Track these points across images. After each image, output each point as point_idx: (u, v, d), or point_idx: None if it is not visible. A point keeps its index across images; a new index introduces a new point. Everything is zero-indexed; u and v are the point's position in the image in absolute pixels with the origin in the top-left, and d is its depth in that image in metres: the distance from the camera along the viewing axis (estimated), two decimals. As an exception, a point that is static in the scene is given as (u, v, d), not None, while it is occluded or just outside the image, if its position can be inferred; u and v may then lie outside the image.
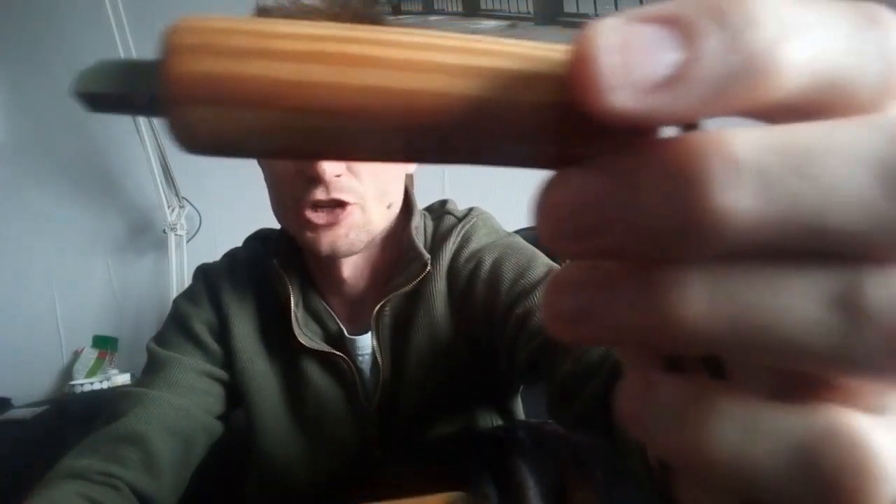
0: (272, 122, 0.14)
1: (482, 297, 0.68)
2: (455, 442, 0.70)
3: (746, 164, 0.12)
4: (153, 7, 1.80)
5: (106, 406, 0.70)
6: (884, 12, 0.13)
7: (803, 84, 0.13)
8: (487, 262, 0.68)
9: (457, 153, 0.15)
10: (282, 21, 0.14)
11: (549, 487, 0.61)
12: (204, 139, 0.14)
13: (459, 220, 0.74)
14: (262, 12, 0.65)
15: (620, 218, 0.13)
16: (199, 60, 0.14)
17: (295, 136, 0.14)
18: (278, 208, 0.68)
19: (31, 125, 1.88)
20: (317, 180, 0.61)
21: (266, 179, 0.68)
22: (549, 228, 0.14)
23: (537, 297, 0.63)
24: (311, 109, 0.14)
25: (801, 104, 0.13)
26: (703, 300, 0.12)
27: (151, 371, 0.72)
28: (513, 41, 0.14)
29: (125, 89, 0.15)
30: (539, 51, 0.14)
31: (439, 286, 0.70)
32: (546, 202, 0.14)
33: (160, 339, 0.75)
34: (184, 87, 0.14)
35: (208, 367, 0.72)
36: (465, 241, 0.72)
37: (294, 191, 0.63)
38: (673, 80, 0.12)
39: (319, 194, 0.61)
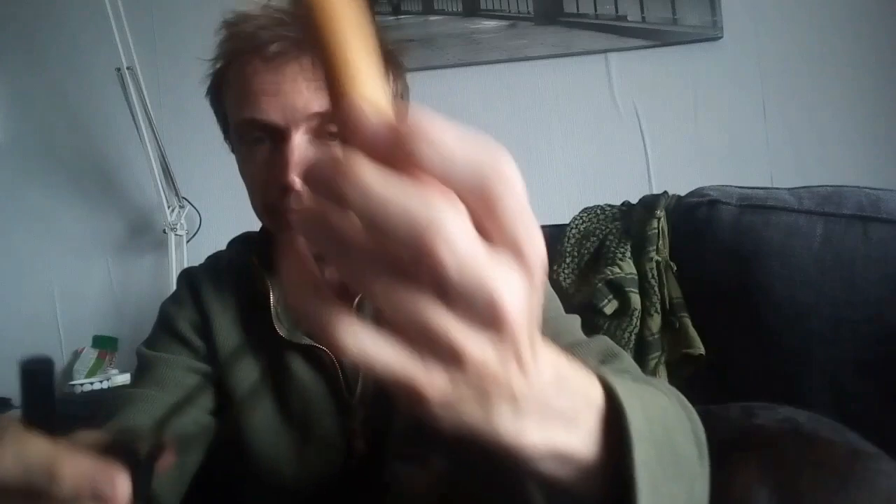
0: None
1: None
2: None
3: None
4: (153, 7, 1.80)
5: (100, 408, 0.72)
6: None
7: None
8: None
9: None
10: None
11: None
12: None
13: None
14: (229, 25, 0.66)
15: None
16: None
17: None
18: (258, 212, 0.70)
19: (31, 125, 1.88)
20: (289, 190, 0.62)
21: (247, 186, 0.69)
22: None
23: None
24: None
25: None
26: None
27: (141, 372, 0.74)
28: None
29: None
30: None
31: None
32: None
33: (148, 342, 0.77)
34: None
35: (195, 363, 0.74)
36: None
37: (269, 199, 0.65)
38: None
39: (293, 204, 0.62)
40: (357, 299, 0.70)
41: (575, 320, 0.71)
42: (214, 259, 0.82)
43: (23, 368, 0.29)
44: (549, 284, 0.73)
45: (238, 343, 0.74)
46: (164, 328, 0.77)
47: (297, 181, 0.61)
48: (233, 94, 0.66)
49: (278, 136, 0.63)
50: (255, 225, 0.81)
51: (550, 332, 0.66)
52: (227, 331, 0.74)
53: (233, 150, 0.71)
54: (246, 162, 0.67)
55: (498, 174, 0.24)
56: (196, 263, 0.84)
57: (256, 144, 0.64)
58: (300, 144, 0.62)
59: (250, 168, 0.67)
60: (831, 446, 0.60)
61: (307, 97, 0.61)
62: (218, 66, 0.68)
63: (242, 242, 0.80)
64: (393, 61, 0.71)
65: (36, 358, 0.30)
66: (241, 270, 0.76)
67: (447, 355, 0.25)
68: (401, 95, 0.72)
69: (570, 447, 0.31)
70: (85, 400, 1.61)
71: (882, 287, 0.93)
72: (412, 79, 0.74)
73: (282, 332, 0.71)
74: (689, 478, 0.40)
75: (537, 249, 0.25)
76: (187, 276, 0.80)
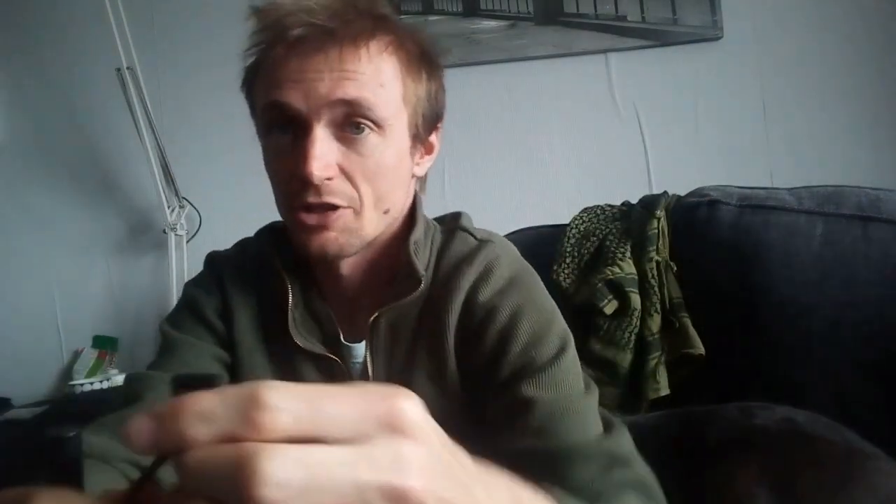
0: None
1: (492, 344, 0.67)
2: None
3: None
4: (153, 7, 1.80)
5: (123, 388, 0.72)
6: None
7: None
8: (506, 310, 0.67)
9: None
10: None
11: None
12: None
13: (479, 241, 0.73)
14: (257, 12, 0.65)
15: None
16: None
17: None
18: (280, 208, 0.69)
19: (31, 125, 1.88)
20: (308, 183, 0.62)
21: (270, 181, 0.69)
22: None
23: (544, 388, 0.63)
24: None
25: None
26: None
27: (166, 353, 0.74)
28: None
29: None
30: None
31: (453, 317, 0.69)
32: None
33: (173, 321, 0.76)
34: None
35: (219, 351, 0.74)
36: (488, 272, 0.69)
37: (290, 192, 0.65)
38: None
39: (311, 197, 0.63)
40: (373, 317, 0.70)
41: (589, 406, 0.64)
42: (241, 247, 0.81)
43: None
44: (569, 358, 0.67)
45: (254, 343, 0.74)
46: (190, 310, 0.76)
47: (315, 175, 0.61)
48: (260, 82, 0.66)
49: (300, 128, 0.63)
50: (253, 225, 0.81)
51: (557, 427, 0.61)
52: (245, 326, 0.74)
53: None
54: (269, 152, 0.67)
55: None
56: (196, 264, 0.84)
57: (279, 134, 0.65)
58: (321, 137, 0.62)
59: (273, 158, 0.67)
60: (830, 446, 0.60)
61: (330, 84, 0.61)
62: (249, 58, 0.67)
63: (270, 233, 0.78)
64: (428, 61, 0.70)
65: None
66: (264, 266, 0.75)
67: None
68: (435, 95, 0.71)
69: None
70: (86, 398, 1.61)
71: (882, 287, 0.93)
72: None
73: (297, 339, 0.71)
74: None
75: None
76: (213, 261, 0.80)
